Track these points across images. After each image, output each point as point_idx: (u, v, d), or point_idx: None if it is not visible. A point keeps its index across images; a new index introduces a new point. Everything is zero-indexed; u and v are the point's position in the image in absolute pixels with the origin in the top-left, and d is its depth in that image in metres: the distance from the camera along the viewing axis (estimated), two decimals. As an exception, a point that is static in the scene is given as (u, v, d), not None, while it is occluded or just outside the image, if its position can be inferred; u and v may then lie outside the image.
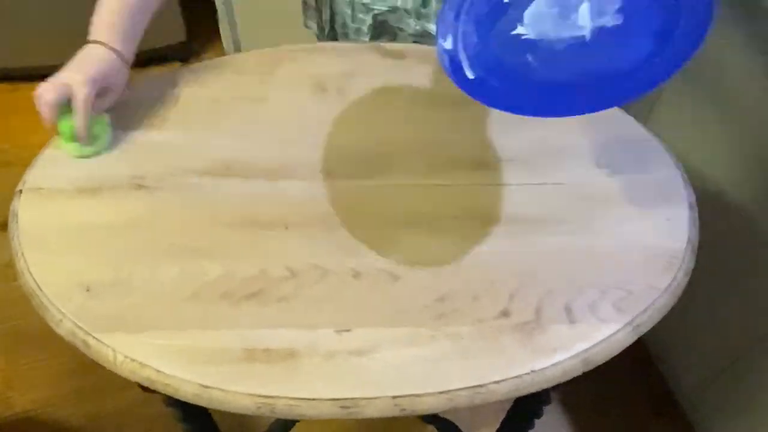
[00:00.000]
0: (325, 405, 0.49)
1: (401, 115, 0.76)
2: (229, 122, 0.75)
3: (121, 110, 0.75)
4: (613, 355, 0.54)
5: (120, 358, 0.51)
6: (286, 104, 0.77)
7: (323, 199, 0.66)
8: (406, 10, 0.84)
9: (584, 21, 0.56)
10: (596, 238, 0.62)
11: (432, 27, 0.84)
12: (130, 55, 0.73)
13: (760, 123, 0.95)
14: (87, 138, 0.68)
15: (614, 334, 0.53)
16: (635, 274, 0.58)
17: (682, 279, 0.59)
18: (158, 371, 0.50)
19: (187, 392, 0.50)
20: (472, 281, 0.58)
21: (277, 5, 1.67)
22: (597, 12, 0.55)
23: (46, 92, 0.65)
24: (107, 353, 0.52)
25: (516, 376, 0.51)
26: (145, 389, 0.54)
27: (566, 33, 0.56)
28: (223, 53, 1.89)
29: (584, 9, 0.56)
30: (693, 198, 0.66)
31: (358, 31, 0.90)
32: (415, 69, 0.82)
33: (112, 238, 0.61)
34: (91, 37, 0.71)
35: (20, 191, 0.65)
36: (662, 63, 0.51)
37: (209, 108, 0.76)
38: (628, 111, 0.77)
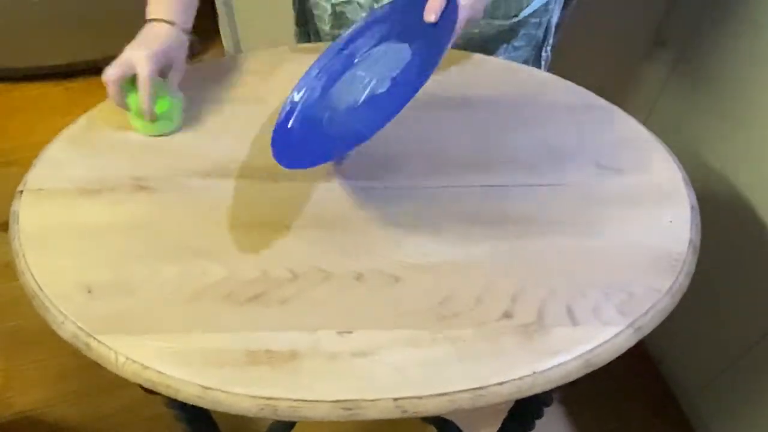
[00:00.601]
0: (327, 407, 0.49)
1: (402, 116, 0.76)
2: (229, 123, 0.75)
3: (123, 111, 0.75)
4: (614, 357, 0.54)
5: (122, 359, 0.51)
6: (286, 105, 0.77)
7: (325, 200, 0.65)
8: (359, 4, 0.85)
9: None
10: (598, 239, 0.62)
11: None
12: (188, 25, 0.74)
13: (760, 123, 0.95)
14: (153, 114, 0.69)
15: (616, 336, 0.53)
16: (637, 275, 0.58)
17: (684, 280, 0.59)
18: (160, 373, 0.50)
19: (189, 394, 0.50)
20: (473, 283, 0.58)
21: (277, 5, 1.67)
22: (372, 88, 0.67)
23: (109, 69, 0.67)
24: (109, 355, 0.52)
25: (518, 378, 0.50)
26: (147, 390, 0.53)
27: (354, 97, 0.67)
28: (223, 53, 1.88)
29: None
30: (694, 199, 0.66)
31: (320, 18, 0.92)
32: (416, 70, 0.82)
33: (113, 239, 0.61)
34: (149, 15, 0.72)
35: (21, 192, 0.65)
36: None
37: (210, 108, 0.76)
38: (628, 111, 0.77)
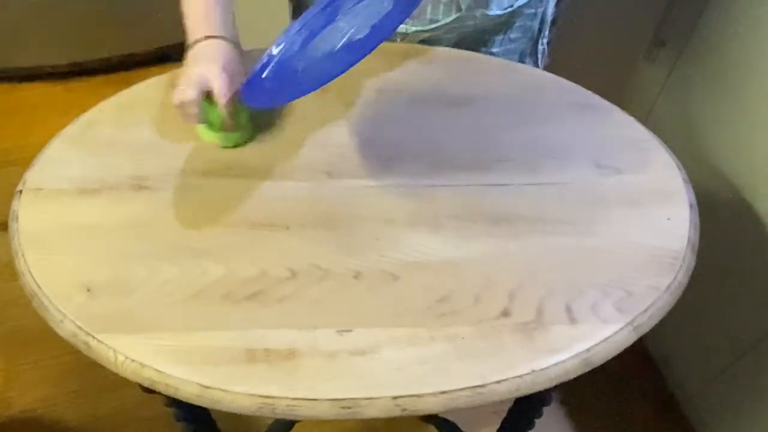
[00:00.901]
0: (326, 405, 0.49)
1: (402, 115, 0.76)
2: (229, 122, 0.74)
3: (123, 111, 0.75)
4: (613, 356, 0.54)
5: (121, 358, 0.51)
6: (287, 104, 0.77)
7: (324, 199, 0.66)
8: None
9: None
10: (596, 238, 0.62)
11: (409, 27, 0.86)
12: (236, 38, 0.72)
13: (760, 122, 0.95)
14: (234, 126, 0.69)
15: (615, 334, 0.53)
16: (636, 274, 0.58)
17: (683, 279, 0.59)
18: (159, 372, 0.50)
19: (188, 393, 0.50)
20: (472, 281, 0.58)
21: (277, 5, 1.67)
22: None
23: (185, 91, 0.64)
24: (108, 354, 0.52)
25: (517, 376, 0.51)
26: (146, 390, 0.53)
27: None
28: (223, 53, 1.88)
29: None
30: (693, 198, 0.66)
31: None
32: (416, 69, 0.82)
33: (113, 238, 0.61)
34: (197, 34, 0.69)
35: (20, 191, 0.65)
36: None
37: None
38: (628, 111, 0.77)
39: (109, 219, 0.63)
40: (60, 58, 1.91)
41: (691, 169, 0.72)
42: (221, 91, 0.65)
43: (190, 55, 0.68)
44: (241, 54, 0.71)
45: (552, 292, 0.57)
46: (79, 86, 1.96)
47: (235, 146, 0.71)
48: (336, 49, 0.66)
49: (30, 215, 0.63)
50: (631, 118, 0.76)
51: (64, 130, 0.73)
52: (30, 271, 0.57)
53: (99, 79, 1.97)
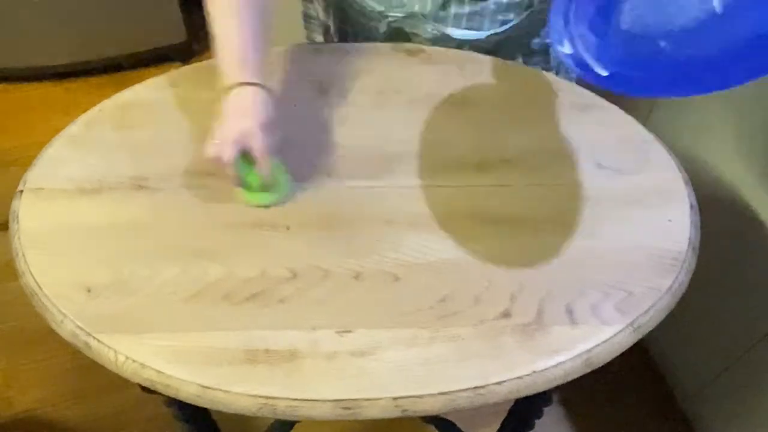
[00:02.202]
0: (327, 406, 0.49)
1: (402, 115, 0.76)
2: (229, 123, 0.74)
3: (123, 111, 0.75)
4: (614, 356, 0.54)
5: (121, 359, 0.51)
6: (287, 105, 0.77)
7: (324, 200, 0.65)
8: (423, 15, 0.83)
9: None
10: (597, 239, 0.62)
11: (450, 30, 0.84)
12: (270, 84, 0.67)
13: (761, 123, 0.95)
14: (272, 185, 0.64)
15: (615, 335, 0.53)
16: (636, 275, 0.58)
17: (684, 280, 0.59)
18: (159, 372, 0.50)
19: (188, 393, 0.50)
20: (473, 282, 0.58)
21: (277, 5, 1.67)
22: None
23: (223, 151, 0.60)
24: (108, 354, 0.52)
25: (517, 377, 0.51)
26: (146, 390, 0.53)
27: (693, 11, 0.54)
28: (223, 53, 1.88)
29: None
30: (694, 199, 0.66)
31: (369, 39, 0.89)
32: (417, 69, 0.82)
33: (113, 238, 0.61)
34: (235, 79, 0.64)
35: (21, 191, 0.65)
36: None
37: (210, 108, 0.76)
38: (628, 111, 0.77)
39: (110, 219, 0.63)
40: (60, 58, 1.90)
41: (692, 169, 0.72)
42: (260, 150, 0.61)
43: (225, 104, 0.63)
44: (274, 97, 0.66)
45: (552, 293, 0.57)
46: (79, 86, 1.96)
47: (272, 205, 0.65)
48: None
49: (30, 215, 0.63)
50: (632, 119, 0.76)
51: (64, 130, 0.73)
52: (30, 271, 0.57)
53: (99, 79, 1.96)
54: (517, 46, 0.87)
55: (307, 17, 0.98)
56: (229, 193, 0.66)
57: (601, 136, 0.73)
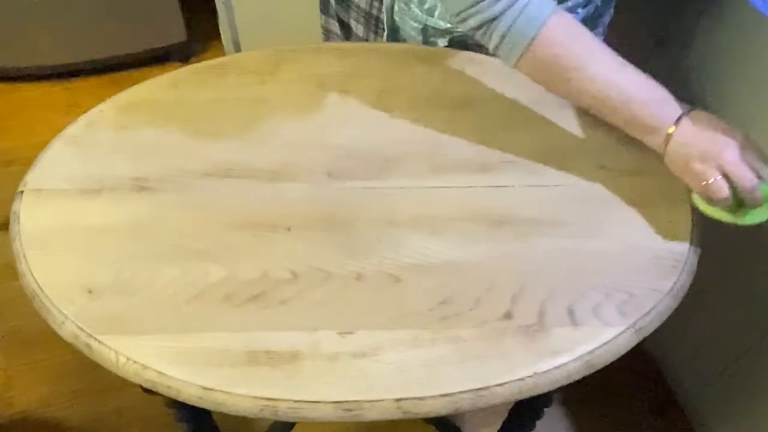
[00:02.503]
0: (328, 408, 0.49)
1: (403, 116, 0.76)
2: (230, 123, 0.74)
3: (123, 111, 0.75)
4: (615, 358, 0.54)
5: (122, 360, 0.51)
6: (288, 105, 0.77)
7: (325, 201, 0.65)
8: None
9: None
10: (598, 240, 0.62)
11: None
12: None
13: (761, 123, 0.95)
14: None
15: (617, 337, 0.53)
16: (638, 276, 0.58)
17: (685, 281, 0.59)
18: (160, 373, 0.50)
19: (190, 394, 0.50)
20: (474, 284, 0.58)
21: (277, 5, 1.67)
22: None
23: (749, 174, 0.56)
24: (109, 355, 0.52)
25: (519, 379, 0.51)
26: (147, 391, 0.53)
27: None
28: (223, 53, 1.88)
29: None
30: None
31: (405, 31, 0.87)
32: (417, 70, 0.82)
33: (114, 239, 0.61)
34: (673, 116, 0.60)
35: (21, 192, 0.65)
36: None
37: (210, 109, 0.76)
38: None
39: (110, 220, 0.63)
40: (60, 58, 1.90)
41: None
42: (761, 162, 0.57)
43: (691, 138, 0.59)
44: None
45: (554, 294, 0.57)
46: (79, 86, 1.96)
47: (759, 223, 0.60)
48: None
49: (31, 216, 0.63)
50: (633, 120, 0.76)
51: (64, 131, 0.73)
52: (31, 272, 0.57)
53: (99, 79, 1.96)
54: None
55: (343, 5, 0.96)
56: (230, 194, 0.66)
57: (603, 136, 0.73)
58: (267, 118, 0.75)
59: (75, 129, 0.73)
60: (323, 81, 0.80)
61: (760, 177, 0.57)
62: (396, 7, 0.86)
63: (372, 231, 0.62)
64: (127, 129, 0.73)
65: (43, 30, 1.82)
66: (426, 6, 0.82)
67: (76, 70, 1.95)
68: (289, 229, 0.62)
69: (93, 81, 1.97)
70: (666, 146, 0.60)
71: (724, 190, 0.57)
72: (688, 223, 0.63)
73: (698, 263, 0.61)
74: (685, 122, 0.59)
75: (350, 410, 0.49)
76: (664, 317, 0.56)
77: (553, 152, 0.71)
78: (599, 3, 0.84)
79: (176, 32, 1.96)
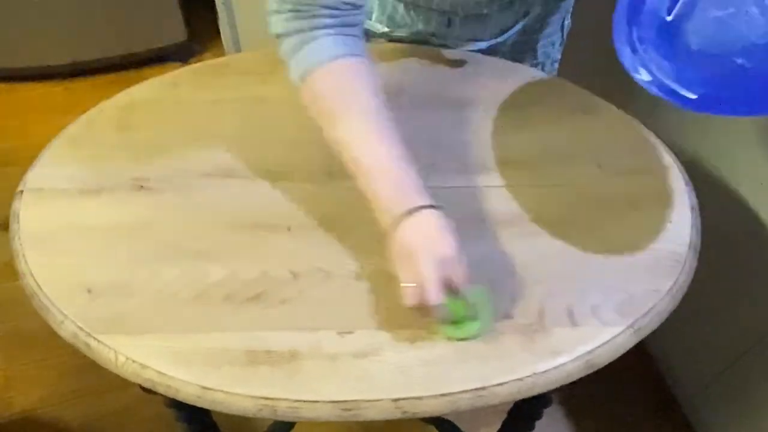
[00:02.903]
0: (327, 407, 0.49)
1: (403, 116, 0.76)
2: (230, 123, 0.74)
3: (123, 111, 0.75)
4: (615, 358, 0.54)
5: (121, 359, 0.51)
6: (288, 104, 0.77)
7: (325, 201, 0.65)
8: (428, 33, 0.83)
9: None
10: (598, 240, 0.62)
11: (452, 42, 0.84)
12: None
13: (761, 123, 0.95)
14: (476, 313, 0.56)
15: (616, 336, 0.53)
16: (637, 276, 0.58)
17: (684, 281, 0.59)
18: (160, 373, 0.50)
19: (189, 394, 0.50)
20: (473, 283, 0.57)
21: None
22: None
23: (428, 294, 0.51)
24: (109, 355, 0.52)
25: (518, 379, 0.51)
26: (146, 390, 0.53)
27: (761, 28, 0.54)
28: (223, 53, 1.88)
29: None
30: (695, 200, 0.66)
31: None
32: (417, 70, 0.82)
33: (114, 239, 0.61)
34: (411, 204, 0.54)
35: (21, 192, 0.65)
36: None
37: (210, 109, 0.76)
38: (629, 112, 0.77)
39: (110, 220, 0.63)
40: (60, 58, 1.90)
41: (692, 170, 0.72)
42: (463, 277, 0.53)
43: (402, 237, 0.54)
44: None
45: (553, 294, 0.57)
46: (79, 86, 1.96)
47: (475, 336, 0.56)
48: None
49: (31, 216, 0.63)
50: (633, 120, 0.76)
51: (64, 130, 0.73)
52: (31, 272, 0.57)
53: (99, 79, 1.96)
54: (506, 45, 0.87)
55: None
56: (230, 194, 0.66)
57: (602, 137, 0.73)
58: (267, 118, 0.75)
59: (75, 129, 0.73)
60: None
61: (458, 295, 0.53)
62: None
63: (372, 231, 0.62)
64: (127, 129, 0.73)
65: (43, 30, 1.82)
66: None
67: (76, 70, 1.95)
68: (289, 229, 0.62)
69: (93, 81, 1.97)
70: (390, 231, 0.55)
71: (408, 298, 0.52)
72: (687, 223, 0.63)
73: (698, 264, 0.61)
74: (413, 219, 0.54)
75: (349, 410, 0.49)
76: (663, 317, 0.56)
77: (553, 152, 0.71)
78: (539, 11, 0.84)
79: (176, 32, 1.96)
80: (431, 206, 0.55)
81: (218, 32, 1.87)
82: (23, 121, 1.84)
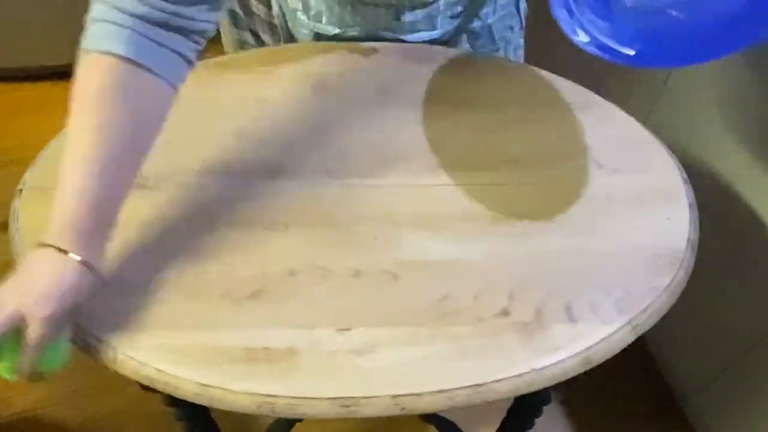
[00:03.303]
0: (326, 404, 0.49)
1: (402, 115, 0.76)
2: (229, 122, 0.75)
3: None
4: (612, 355, 0.54)
5: (120, 357, 0.51)
6: (287, 104, 0.77)
7: (324, 198, 0.66)
8: (378, 28, 0.84)
9: None
10: (596, 237, 0.62)
11: (405, 36, 0.85)
12: (102, 259, 0.52)
13: (760, 122, 0.95)
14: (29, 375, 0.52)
15: (614, 333, 0.54)
16: (635, 273, 0.58)
17: (682, 279, 0.59)
18: (158, 370, 0.50)
19: (188, 391, 0.50)
20: (472, 281, 0.58)
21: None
22: None
23: None
24: (107, 352, 0.52)
25: (516, 375, 0.51)
26: (145, 388, 0.54)
27: None
28: (223, 53, 1.88)
29: None
30: (693, 198, 0.66)
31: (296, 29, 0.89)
32: (416, 69, 0.82)
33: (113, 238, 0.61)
34: (51, 235, 0.49)
35: (21, 191, 0.65)
36: None
37: (210, 108, 0.76)
38: (628, 110, 0.77)
39: (109, 218, 0.63)
40: (60, 58, 1.90)
41: (691, 168, 0.72)
42: (32, 342, 0.48)
43: (31, 264, 0.49)
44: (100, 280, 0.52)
45: (551, 291, 0.57)
46: (79, 86, 1.96)
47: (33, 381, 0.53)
48: None
49: (30, 215, 0.63)
50: (631, 118, 0.76)
51: (64, 130, 0.73)
52: (30, 270, 0.57)
53: (99, 80, 1.97)
54: (461, 31, 0.88)
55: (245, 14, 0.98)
56: (229, 193, 0.66)
57: (601, 135, 0.74)
58: (266, 118, 0.75)
59: (74, 128, 0.73)
60: (323, 80, 0.80)
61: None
62: (286, 16, 0.87)
63: (370, 229, 0.63)
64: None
65: (43, 30, 1.82)
66: (312, 13, 0.84)
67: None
68: (287, 227, 0.62)
69: (93, 81, 1.97)
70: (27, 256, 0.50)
71: None
72: (685, 220, 0.63)
73: (697, 263, 0.61)
74: (37, 254, 0.49)
75: (348, 406, 0.49)
76: (662, 314, 0.56)
77: (551, 151, 0.72)
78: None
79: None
80: (82, 263, 0.49)
81: (218, 32, 1.87)
82: (23, 121, 1.84)
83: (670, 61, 0.60)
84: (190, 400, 0.50)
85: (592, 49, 0.57)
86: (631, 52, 0.56)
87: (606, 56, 0.57)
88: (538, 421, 0.85)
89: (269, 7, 0.94)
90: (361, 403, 0.49)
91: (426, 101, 0.78)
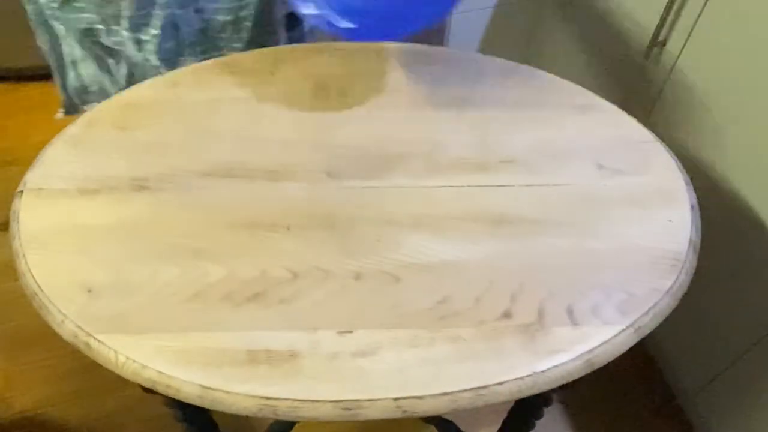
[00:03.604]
0: (327, 406, 0.49)
1: (402, 115, 0.76)
2: (229, 123, 0.75)
3: (123, 111, 0.75)
4: (615, 357, 0.54)
5: (122, 359, 0.51)
6: (287, 105, 0.77)
7: (324, 200, 0.65)
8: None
9: None
10: (598, 239, 0.62)
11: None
12: None
13: (760, 122, 0.95)
14: None
15: (616, 336, 0.53)
16: (637, 275, 0.58)
17: (684, 280, 0.59)
18: (160, 372, 0.50)
19: (189, 393, 0.50)
20: (473, 283, 0.58)
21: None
22: None
23: None
24: (109, 355, 0.52)
25: (518, 378, 0.51)
26: (147, 390, 0.53)
27: None
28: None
29: None
30: (695, 199, 0.66)
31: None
32: (416, 69, 0.82)
33: (114, 239, 0.61)
34: None
35: (21, 192, 0.65)
36: None
37: (210, 108, 0.76)
38: (628, 111, 0.77)
39: (110, 219, 0.63)
40: (60, 57, 1.90)
41: (692, 169, 0.72)
42: None
43: None
44: None
45: (553, 293, 0.57)
46: (79, 86, 1.96)
47: None
48: None
49: (31, 215, 0.63)
50: (632, 119, 0.76)
51: (64, 130, 0.73)
52: (31, 272, 0.57)
53: (99, 79, 1.97)
54: (268, 22, 0.88)
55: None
56: (229, 194, 0.66)
57: (602, 136, 0.73)
58: (267, 118, 0.75)
59: (75, 129, 0.73)
60: (323, 81, 0.80)
61: None
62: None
63: (371, 230, 0.63)
64: (127, 129, 0.73)
65: (43, 30, 1.82)
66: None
67: (77, 70, 1.95)
68: (288, 229, 0.62)
69: (93, 81, 1.97)
70: None
71: None
72: (687, 221, 0.63)
73: (698, 263, 0.61)
74: None
75: (349, 409, 0.49)
76: (664, 316, 0.56)
77: (552, 152, 0.72)
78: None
79: (176, 32, 1.96)
80: None
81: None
82: (23, 121, 1.84)
83: (390, 33, 0.68)
84: (192, 402, 0.50)
85: (317, 22, 0.64)
86: (351, 26, 0.63)
87: (330, 29, 0.63)
88: (539, 421, 0.85)
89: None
90: (363, 406, 0.49)
91: (426, 101, 0.78)
